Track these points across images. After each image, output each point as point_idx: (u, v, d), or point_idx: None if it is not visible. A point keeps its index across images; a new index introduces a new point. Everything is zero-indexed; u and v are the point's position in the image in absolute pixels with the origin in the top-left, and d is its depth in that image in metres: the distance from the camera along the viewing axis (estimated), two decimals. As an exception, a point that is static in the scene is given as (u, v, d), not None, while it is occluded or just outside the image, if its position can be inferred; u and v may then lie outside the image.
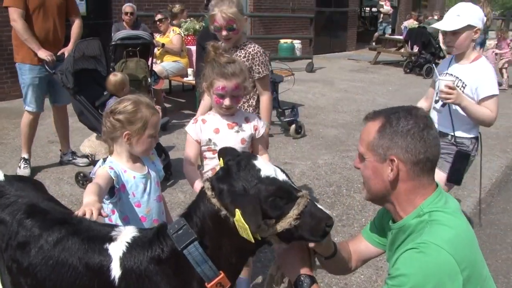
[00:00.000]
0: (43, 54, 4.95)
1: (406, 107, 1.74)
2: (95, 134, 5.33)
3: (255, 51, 3.21)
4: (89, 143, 5.34)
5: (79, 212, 1.80)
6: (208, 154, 2.73)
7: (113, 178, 2.24)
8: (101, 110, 5.02)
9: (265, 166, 1.69)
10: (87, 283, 1.73)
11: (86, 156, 5.38)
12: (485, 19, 3.30)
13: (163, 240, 1.72)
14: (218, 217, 1.64)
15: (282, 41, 13.98)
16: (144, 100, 2.38)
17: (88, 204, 1.88)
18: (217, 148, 2.46)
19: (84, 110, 5.07)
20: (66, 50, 5.18)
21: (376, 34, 19.19)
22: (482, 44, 12.15)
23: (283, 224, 1.61)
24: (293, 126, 7.00)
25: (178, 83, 9.15)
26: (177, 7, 8.65)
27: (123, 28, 7.78)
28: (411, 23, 15.70)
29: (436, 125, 2.96)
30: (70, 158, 5.57)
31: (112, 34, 7.23)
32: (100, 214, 1.84)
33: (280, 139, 6.94)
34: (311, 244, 1.82)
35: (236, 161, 1.70)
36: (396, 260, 1.61)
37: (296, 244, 1.81)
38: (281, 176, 1.69)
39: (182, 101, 8.86)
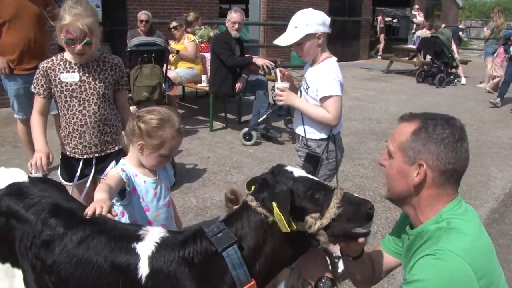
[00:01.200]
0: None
1: (444, 115, 1.73)
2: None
3: (120, 63, 3.06)
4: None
5: (89, 210, 1.85)
6: None
7: (124, 180, 2.27)
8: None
9: (296, 169, 1.79)
10: (111, 281, 1.74)
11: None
12: (328, 20, 3.24)
13: (199, 242, 1.74)
14: (264, 225, 1.71)
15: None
16: (173, 120, 2.35)
17: (98, 201, 1.93)
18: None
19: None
20: None
21: (379, 46, 19.35)
22: (494, 53, 12.12)
23: (328, 215, 1.66)
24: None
25: (191, 89, 9.23)
26: (191, 15, 8.75)
27: (138, 35, 7.88)
28: (423, 32, 15.66)
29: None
30: None
31: (127, 41, 7.33)
32: (109, 212, 1.88)
33: (291, 146, 6.97)
34: (342, 244, 1.82)
35: (270, 171, 1.80)
36: (412, 266, 1.61)
37: (315, 250, 1.83)
38: (311, 175, 1.80)
39: (195, 108, 8.93)
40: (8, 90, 5.16)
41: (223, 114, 7.76)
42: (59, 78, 2.87)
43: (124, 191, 2.32)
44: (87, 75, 2.89)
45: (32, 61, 5.07)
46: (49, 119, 5.69)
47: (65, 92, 2.89)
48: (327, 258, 1.91)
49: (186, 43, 8.02)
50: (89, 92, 2.88)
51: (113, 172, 2.33)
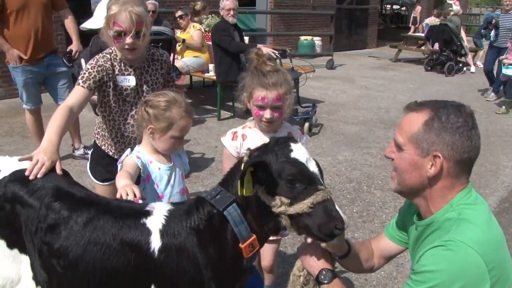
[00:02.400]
0: (10, 55, 4.95)
1: (454, 103, 1.67)
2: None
3: (168, 58, 2.93)
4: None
5: (121, 195, 1.89)
6: None
7: (140, 167, 2.28)
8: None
9: (299, 150, 1.74)
10: (122, 259, 1.76)
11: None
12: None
13: (201, 208, 1.81)
14: None
15: (302, 38, 13.94)
16: (179, 100, 2.33)
17: (126, 185, 1.96)
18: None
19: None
20: (74, 47, 5.22)
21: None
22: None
23: (296, 208, 1.66)
24: (307, 124, 6.94)
25: (199, 78, 9.21)
26: (199, 4, 8.70)
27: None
28: (432, 20, 15.48)
29: None
30: (82, 153, 5.62)
31: None
32: (140, 195, 1.93)
33: (300, 135, 6.96)
34: (323, 244, 1.80)
35: (277, 139, 1.81)
36: (421, 256, 1.59)
37: (315, 243, 1.82)
38: (312, 166, 1.74)
39: (202, 97, 8.91)
40: (16, 81, 5.18)
41: (230, 103, 7.74)
42: (115, 81, 2.67)
43: (138, 178, 2.32)
44: (143, 78, 2.73)
45: (40, 51, 5.08)
46: (56, 109, 5.74)
47: (118, 96, 2.72)
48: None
49: (191, 32, 7.99)
50: (143, 96, 2.69)
51: (129, 159, 2.32)
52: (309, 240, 1.80)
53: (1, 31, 4.98)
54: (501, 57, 9.21)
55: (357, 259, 2.02)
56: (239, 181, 1.64)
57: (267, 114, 2.37)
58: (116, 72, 2.66)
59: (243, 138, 2.49)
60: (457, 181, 1.65)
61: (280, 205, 1.68)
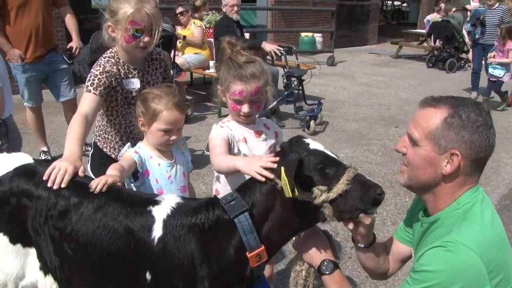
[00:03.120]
0: (11, 55, 4.93)
1: (471, 100, 1.67)
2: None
3: (166, 57, 2.89)
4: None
5: (93, 184, 1.91)
6: None
7: (137, 161, 2.28)
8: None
9: (312, 142, 1.84)
10: (124, 243, 1.81)
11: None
12: None
13: (211, 209, 1.82)
14: (274, 191, 1.76)
15: (303, 34, 13.92)
16: (169, 93, 2.29)
17: (106, 175, 1.99)
18: None
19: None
20: (74, 44, 5.22)
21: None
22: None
23: (335, 190, 1.69)
24: (312, 122, 6.94)
25: (199, 75, 9.20)
26: (199, 1, 8.67)
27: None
28: (434, 16, 15.43)
29: None
30: (84, 150, 5.61)
31: None
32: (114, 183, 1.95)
33: (300, 132, 6.94)
34: (350, 226, 1.79)
35: (288, 141, 1.86)
36: (421, 255, 1.59)
37: (314, 232, 1.87)
38: (329, 152, 1.83)
39: (203, 94, 8.90)
40: (17, 79, 5.17)
41: (231, 100, 7.69)
42: (121, 85, 2.63)
43: (136, 173, 2.32)
44: (144, 79, 2.71)
45: (40, 48, 5.07)
46: (57, 106, 5.74)
47: (124, 100, 2.68)
48: (328, 241, 1.91)
49: (192, 29, 7.97)
50: None
51: (127, 153, 2.33)
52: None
53: (2, 29, 4.96)
54: (489, 55, 8.76)
55: (377, 254, 2.02)
56: (287, 184, 1.62)
57: (245, 108, 2.25)
58: (122, 75, 2.64)
59: (230, 130, 2.35)
60: (469, 179, 1.65)
61: (320, 194, 1.70)
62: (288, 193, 1.62)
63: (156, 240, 1.78)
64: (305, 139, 1.84)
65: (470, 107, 1.60)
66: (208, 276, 1.78)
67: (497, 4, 9.15)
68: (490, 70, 8.61)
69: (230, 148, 2.29)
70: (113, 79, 2.58)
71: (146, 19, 2.48)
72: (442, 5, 14.39)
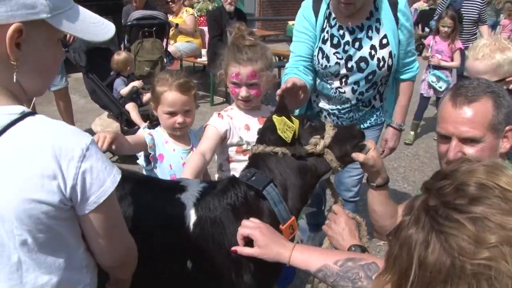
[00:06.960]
0: None
1: (493, 83, 1.81)
2: (106, 113, 5.39)
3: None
4: (100, 121, 5.40)
5: (99, 143, 1.87)
6: (237, 157, 2.36)
7: (148, 144, 2.27)
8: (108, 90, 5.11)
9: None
10: (159, 234, 1.69)
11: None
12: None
13: (238, 187, 1.80)
14: (279, 160, 1.82)
15: (290, 22, 13.86)
16: (172, 76, 2.35)
17: (103, 132, 1.98)
18: (249, 148, 2.12)
19: (96, 88, 5.12)
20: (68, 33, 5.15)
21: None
22: (494, 26, 12.01)
23: (328, 135, 1.84)
24: None
25: (189, 63, 9.15)
26: (190, -12, 8.63)
27: (134, 11, 7.74)
28: (421, 5, 15.50)
29: None
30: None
31: (122, 19, 7.07)
32: (111, 144, 1.93)
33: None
34: (360, 157, 1.85)
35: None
36: None
37: (343, 218, 1.88)
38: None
39: (195, 82, 8.86)
40: None
41: (223, 89, 7.70)
42: None
43: (148, 157, 2.33)
44: None
45: None
46: (48, 95, 5.66)
47: None
48: (356, 226, 1.93)
49: (184, 17, 7.92)
50: None
51: (141, 132, 2.34)
52: (335, 208, 1.92)
53: None
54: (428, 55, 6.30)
55: (386, 204, 2.01)
56: (284, 128, 1.73)
57: (242, 92, 2.27)
58: None
59: (230, 118, 2.35)
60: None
61: (318, 141, 1.82)
62: (289, 132, 1.72)
63: (191, 226, 1.69)
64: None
65: (499, 89, 1.75)
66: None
67: None
68: (431, 79, 6.18)
69: (224, 140, 2.31)
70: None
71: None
72: None
